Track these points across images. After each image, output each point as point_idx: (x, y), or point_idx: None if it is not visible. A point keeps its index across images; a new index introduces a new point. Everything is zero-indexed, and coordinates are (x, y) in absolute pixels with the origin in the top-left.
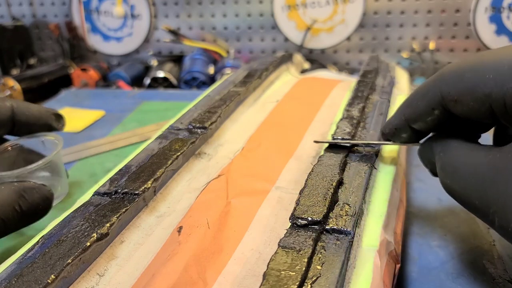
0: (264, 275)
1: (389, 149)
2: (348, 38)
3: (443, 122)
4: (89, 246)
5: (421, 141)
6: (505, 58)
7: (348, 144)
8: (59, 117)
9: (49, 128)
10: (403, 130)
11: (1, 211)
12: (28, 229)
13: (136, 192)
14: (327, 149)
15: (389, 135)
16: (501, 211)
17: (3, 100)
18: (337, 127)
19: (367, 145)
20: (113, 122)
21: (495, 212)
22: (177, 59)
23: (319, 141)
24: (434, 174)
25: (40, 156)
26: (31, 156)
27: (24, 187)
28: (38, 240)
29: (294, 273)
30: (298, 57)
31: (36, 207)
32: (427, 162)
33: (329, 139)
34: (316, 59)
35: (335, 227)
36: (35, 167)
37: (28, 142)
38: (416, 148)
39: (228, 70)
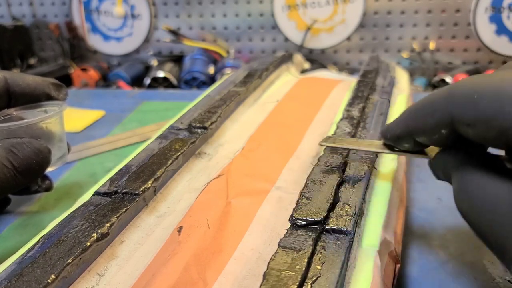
0: (264, 275)
1: None
2: (348, 38)
3: (452, 140)
4: (89, 246)
5: (426, 149)
6: None
7: (352, 148)
8: (58, 87)
9: (48, 98)
10: (405, 140)
11: None
12: (28, 228)
13: (136, 192)
14: (327, 149)
15: (390, 141)
16: None
17: None
18: (337, 127)
19: (371, 152)
20: (113, 122)
21: (511, 259)
22: (177, 59)
23: (324, 144)
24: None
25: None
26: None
27: (12, 142)
28: (38, 240)
29: (294, 273)
30: (298, 57)
31: (29, 161)
32: (440, 176)
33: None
34: (316, 59)
35: (335, 227)
36: (17, 125)
37: (31, 112)
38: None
39: (228, 70)
